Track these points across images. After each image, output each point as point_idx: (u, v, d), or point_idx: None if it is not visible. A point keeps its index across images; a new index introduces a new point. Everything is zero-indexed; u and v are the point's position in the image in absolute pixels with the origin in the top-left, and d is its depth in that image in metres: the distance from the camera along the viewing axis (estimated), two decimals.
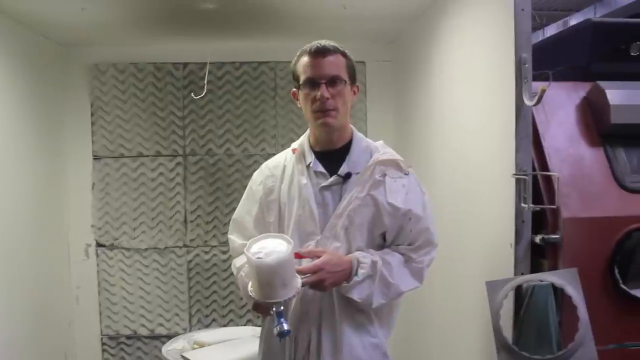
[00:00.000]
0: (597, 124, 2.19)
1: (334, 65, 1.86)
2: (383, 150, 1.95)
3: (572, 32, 2.87)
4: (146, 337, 3.82)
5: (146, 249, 3.78)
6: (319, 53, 1.86)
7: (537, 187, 2.03)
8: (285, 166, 1.99)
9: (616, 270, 2.02)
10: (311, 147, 1.96)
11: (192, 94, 3.65)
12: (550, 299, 1.88)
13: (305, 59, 1.89)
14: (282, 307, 1.69)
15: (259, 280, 1.69)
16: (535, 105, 1.91)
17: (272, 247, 1.70)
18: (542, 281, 1.90)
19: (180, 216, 3.80)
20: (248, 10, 2.97)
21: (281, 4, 2.90)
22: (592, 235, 2.03)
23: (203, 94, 3.56)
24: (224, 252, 3.79)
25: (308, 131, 2.00)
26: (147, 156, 3.77)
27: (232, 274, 3.19)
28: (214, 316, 3.85)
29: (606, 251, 2.03)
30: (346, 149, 1.94)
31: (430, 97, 3.01)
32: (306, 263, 1.81)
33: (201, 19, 3.12)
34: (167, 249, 3.80)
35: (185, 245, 3.81)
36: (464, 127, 2.52)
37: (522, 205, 1.95)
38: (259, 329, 2.20)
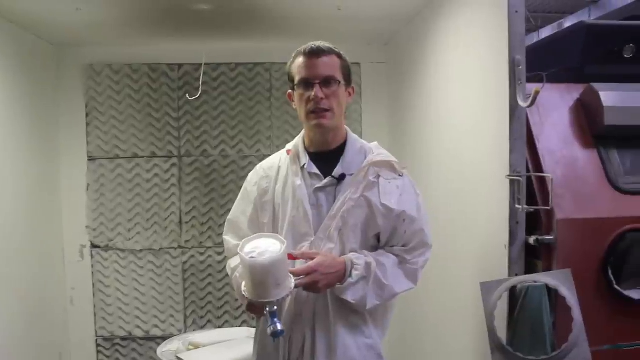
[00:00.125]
0: (591, 126, 2.20)
1: (328, 65, 1.86)
2: (377, 151, 1.95)
3: (566, 34, 2.89)
4: (141, 339, 3.81)
5: (141, 250, 3.78)
6: (313, 54, 1.87)
7: (531, 188, 2.04)
8: (279, 167, 1.99)
9: (610, 271, 2.03)
10: (306, 149, 1.97)
11: (187, 95, 3.65)
12: (545, 300, 1.89)
13: (300, 60, 1.89)
14: (275, 307, 1.69)
15: (252, 280, 1.69)
16: (529, 106, 1.92)
17: (265, 247, 1.70)
18: (536, 282, 1.91)
19: (176, 217, 3.80)
20: (243, 11, 2.97)
21: (276, 6, 2.91)
22: (586, 237, 2.04)
23: (198, 95, 3.56)
24: (219, 253, 3.79)
25: (303, 132, 2.01)
26: (142, 157, 3.77)
27: (227, 275, 3.18)
28: (209, 317, 3.85)
29: (600, 252, 2.04)
30: (341, 150, 1.94)
31: (425, 98, 3.01)
32: (300, 265, 1.82)
33: (196, 20, 3.12)
34: (162, 250, 3.79)
35: (180, 247, 3.81)
36: (459, 128, 2.52)
37: (517, 206, 1.96)
38: (254, 330, 2.20)
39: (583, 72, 2.42)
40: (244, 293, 1.75)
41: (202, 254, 3.82)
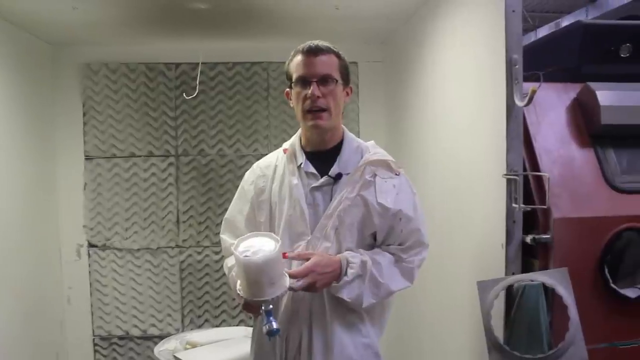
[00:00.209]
0: (588, 125, 2.20)
1: (326, 64, 1.86)
2: (374, 150, 1.96)
3: (563, 33, 2.89)
4: (138, 338, 3.81)
5: (138, 249, 3.77)
6: (311, 52, 1.87)
7: (528, 187, 2.04)
8: (276, 166, 1.99)
9: (606, 270, 2.03)
10: (302, 148, 1.97)
11: (185, 94, 3.65)
12: (541, 299, 1.89)
13: (298, 58, 1.89)
14: (270, 306, 1.69)
15: (246, 278, 1.70)
16: (525, 106, 1.92)
17: (260, 246, 1.71)
18: (533, 281, 1.91)
19: (173, 216, 3.79)
20: (240, 10, 2.97)
21: (274, 5, 2.90)
22: (583, 235, 2.04)
23: (195, 94, 3.55)
24: (217, 253, 3.79)
25: (299, 131, 2.01)
26: (140, 156, 3.76)
27: (224, 274, 3.19)
28: (207, 316, 3.85)
29: (596, 251, 2.05)
30: (337, 149, 1.94)
31: (422, 97, 3.02)
32: (296, 265, 1.82)
33: (193, 19, 3.12)
34: (159, 249, 3.79)
35: (177, 246, 3.81)
36: (456, 127, 2.52)
37: (513, 205, 1.96)
38: (251, 329, 2.20)
39: (580, 71, 2.42)
40: (239, 292, 1.75)
41: (199, 253, 3.82)
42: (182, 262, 3.81)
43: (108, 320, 3.78)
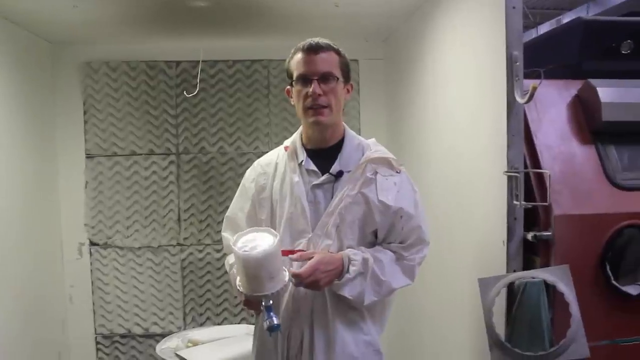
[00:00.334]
0: (589, 122, 2.20)
1: (326, 62, 1.86)
2: (375, 148, 1.96)
3: (564, 30, 2.88)
4: (140, 336, 3.81)
5: (140, 248, 3.78)
6: (311, 50, 1.87)
7: (528, 184, 2.04)
8: (277, 164, 1.99)
9: (607, 267, 2.03)
10: (303, 145, 1.97)
11: (185, 92, 3.65)
12: (543, 296, 1.89)
13: (298, 56, 1.89)
14: (271, 302, 1.70)
15: (246, 273, 1.70)
16: (526, 102, 1.92)
17: (258, 241, 1.72)
18: (534, 278, 1.91)
19: (174, 215, 3.80)
20: (241, 8, 2.97)
21: (274, 2, 2.90)
22: (584, 232, 2.04)
23: (196, 92, 3.55)
24: (218, 251, 3.79)
25: (300, 128, 2.01)
26: (140, 154, 3.76)
27: (226, 272, 3.19)
28: (208, 314, 3.85)
29: (598, 248, 2.04)
30: (338, 146, 1.94)
31: (423, 94, 3.01)
32: (297, 265, 1.82)
33: (194, 17, 3.12)
34: (160, 247, 3.79)
35: (179, 244, 3.81)
36: (456, 124, 2.52)
37: (514, 202, 1.96)
38: (253, 327, 2.20)
39: (581, 68, 2.41)
40: (238, 287, 1.76)
41: (200, 251, 3.82)
42: (184, 260, 3.81)
43: (110, 318, 3.78)
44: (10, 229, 2.99)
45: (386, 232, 1.90)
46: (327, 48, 1.88)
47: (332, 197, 1.88)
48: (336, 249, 1.86)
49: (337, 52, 1.91)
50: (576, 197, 2.06)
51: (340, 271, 1.81)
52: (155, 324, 3.81)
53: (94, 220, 3.75)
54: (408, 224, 1.89)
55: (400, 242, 1.90)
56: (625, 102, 2.18)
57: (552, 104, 2.23)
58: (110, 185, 3.75)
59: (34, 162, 3.35)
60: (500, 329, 1.93)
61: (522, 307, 1.90)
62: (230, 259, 2.00)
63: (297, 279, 1.76)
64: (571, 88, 2.28)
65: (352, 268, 1.81)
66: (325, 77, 1.86)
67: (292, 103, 1.95)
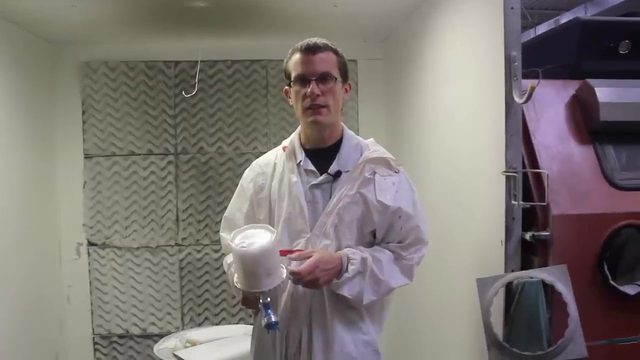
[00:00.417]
0: (587, 122, 2.20)
1: (324, 62, 1.86)
2: (373, 148, 1.96)
3: (562, 30, 2.89)
4: (138, 336, 3.81)
5: (138, 248, 3.77)
6: (309, 50, 1.87)
7: (527, 184, 2.04)
8: (275, 164, 1.99)
9: (605, 267, 2.04)
10: (302, 145, 1.97)
11: (184, 92, 3.65)
12: (541, 296, 1.89)
13: (296, 56, 1.89)
14: (269, 299, 1.70)
15: (243, 270, 1.71)
16: (524, 102, 1.92)
17: (256, 237, 1.72)
18: (532, 278, 1.91)
19: (172, 215, 3.79)
20: (239, 8, 2.97)
21: (273, 2, 2.90)
22: (582, 232, 2.05)
23: (194, 93, 3.55)
24: (216, 251, 3.79)
25: (299, 129, 2.01)
26: (139, 155, 3.76)
27: (224, 272, 3.18)
28: (206, 314, 3.85)
29: (595, 248, 2.05)
30: (337, 146, 1.94)
31: (422, 94, 3.02)
32: (295, 265, 1.82)
33: (192, 17, 3.12)
34: (159, 247, 3.79)
35: (177, 244, 3.81)
36: (455, 124, 2.53)
37: (512, 202, 1.96)
38: (251, 327, 2.20)
39: (579, 68, 2.41)
40: (236, 284, 1.76)
41: (199, 251, 3.82)
42: (182, 260, 3.81)
43: (108, 318, 3.78)
44: (9, 228, 2.98)
45: (385, 232, 1.90)
46: (324, 48, 1.88)
47: (330, 197, 1.88)
48: (334, 249, 1.86)
49: (335, 52, 1.91)
50: (574, 197, 2.07)
51: (339, 270, 1.81)
52: (153, 324, 3.81)
53: (92, 220, 3.75)
54: (406, 223, 1.89)
55: (399, 242, 1.90)
56: (623, 102, 2.18)
57: (550, 104, 2.24)
58: (108, 185, 3.74)
59: (32, 162, 3.35)
60: (499, 329, 1.93)
61: (520, 306, 1.90)
62: (229, 259, 2.00)
63: (297, 276, 1.76)
64: (569, 88, 2.28)
65: (350, 267, 1.81)
66: (323, 77, 1.86)
67: (291, 103, 1.95)
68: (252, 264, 1.68)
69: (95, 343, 3.79)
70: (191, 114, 3.78)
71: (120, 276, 3.77)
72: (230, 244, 1.72)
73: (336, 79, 1.88)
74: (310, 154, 1.95)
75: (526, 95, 1.87)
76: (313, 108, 1.85)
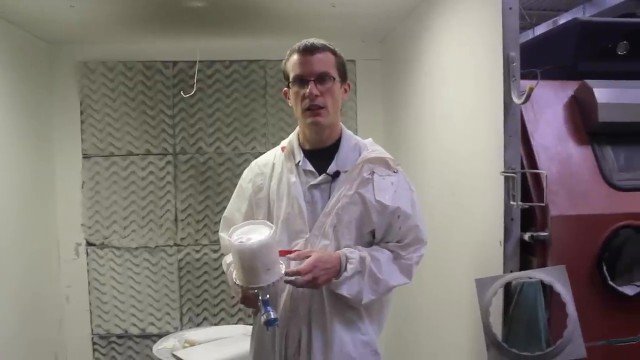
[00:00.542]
0: (585, 122, 2.21)
1: (322, 62, 1.86)
2: (372, 148, 1.96)
3: (560, 31, 2.89)
4: (137, 336, 3.81)
5: (137, 248, 3.77)
6: (307, 51, 1.87)
7: (525, 184, 2.04)
8: (274, 164, 2.00)
9: (604, 267, 2.04)
10: (300, 145, 1.97)
11: (182, 93, 3.65)
12: (539, 296, 1.89)
13: (294, 57, 1.89)
14: (268, 296, 1.71)
15: (242, 265, 1.71)
16: (523, 103, 1.92)
17: (254, 232, 1.73)
18: (531, 278, 1.91)
19: (171, 215, 3.79)
20: (237, 8, 2.97)
21: (270, 3, 2.90)
22: (580, 233, 2.05)
23: (193, 93, 3.55)
24: (215, 251, 3.79)
25: (297, 129, 2.01)
26: (137, 155, 3.76)
27: (223, 272, 3.18)
28: (205, 315, 3.85)
29: (594, 248, 2.05)
30: (335, 147, 1.94)
31: (420, 95, 3.02)
32: (295, 265, 1.82)
33: (191, 17, 3.12)
34: (157, 247, 3.79)
35: (176, 244, 3.80)
36: (453, 125, 2.53)
37: (511, 202, 1.96)
38: (250, 328, 2.20)
39: (577, 69, 2.42)
40: (235, 281, 1.76)
41: (197, 251, 3.82)
42: (181, 260, 3.81)
43: (107, 318, 3.78)
44: (7, 229, 2.98)
45: (384, 231, 1.90)
46: (322, 48, 1.88)
47: (329, 198, 1.88)
48: (333, 249, 1.86)
49: (333, 52, 1.91)
50: (573, 197, 2.07)
51: (337, 270, 1.81)
52: (152, 324, 3.81)
53: (91, 220, 3.74)
54: (405, 223, 1.89)
55: (398, 242, 1.90)
56: (622, 103, 2.19)
57: (548, 105, 2.24)
58: (107, 185, 3.74)
59: (30, 162, 3.34)
60: (497, 329, 1.93)
61: (519, 307, 1.90)
62: (228, 259, 2.00)
63: (295, 276, 1.76)
64: (567, 89, 2.28)
65: (349, 266, 1.81)
66: (321, 78, 1.86)
67: (290, 104, 1.95)
68: (250, 259, 1.68)
69: (94, 343, 3.78)
70: (190, 114, 3.78)
71: (119, 276, 3.77)
72: (229, 239, 1.72)
73: (334, 79, 1.88)
74: (309, 154, 1.95)
75: (525, 96, 1.87)
76: (312, 109, 1.85)
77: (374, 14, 3.15)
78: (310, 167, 1.92)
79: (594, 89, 2.18)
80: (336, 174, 1.89)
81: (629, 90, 2.23)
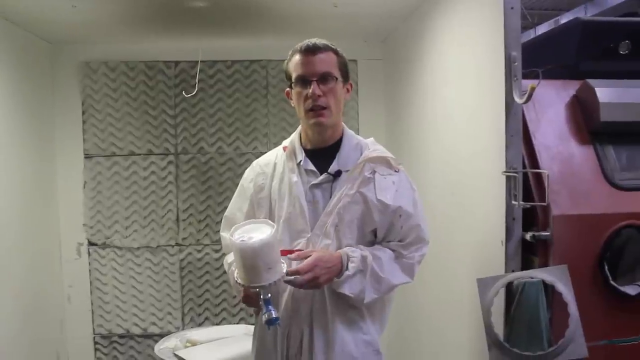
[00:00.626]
0: (587, 122, 2.20)
1: (324, 62, 1.87)
2: (373, 147, 1.96)
3: (562, 30, 2.89)
4: (139, 336, 3.81)
5: (138, 248, 3.78)
6: (309, 51, 1.87)
7: (527, 184, 2.04)
8: (275, 164, 2.00)
9: (606, 267, 2.03)
10: (302, 145, 1.97)
11: (184, 93, 3.65)
12: (541, 296, 1.89)
13: (296, 57, 1.89)
14: (269, 295, 1.71)
15: (243, 264, 1.71)
16: (525, 102, 1.92)
17: (256, 231, 1.73)
18: (532, 278, 1.91)
19: (173, 215, 3.79)
20: (239, 8, 2.97)
21: (272, 2, 2.90)
22: (582, 233, 2.05)
23: (194, 93, 3.56)
24: (217, 251, 3.79)
25: (299, 128, 2.01)
26: (139, 155, 3.76)
27: (224, 272, 3.18)
28: (207, 314, 3.85)
29: (596, 248, 2.05)
30: (337, 146, 1.94)
31: (422, 95, 3.02)
32: (295, 265, 1.82)
33: (192, 17, 3.12)
34: (159, 247, 3.79)
35: (177, 244, 3.81)
36: (455, 124, 2.53)
37: (513, 202, 1.96)
38: (251, 327, 2.20)
39: (578, 68, 2.42)
40: (236, 279, 1.76)
41: (199, 251, 3.82)
42: (182, 260, 3.81)
43: (108, 318, 3.78)
44: (9, 229, 2.98)
45: (385, 231, 1.90)
46: (324, 48, 1.88)
47: (330, 197, 1.88)
48: (335, 249, 1.86)
49: (335, 52, 1.91)
50: (574, 197, 2.07)
51: (339, 269, 1.81)
52: (154, 324, 3.81)
53: (93, 220, 3.75)
54: (407, 222, 1.89)
55: (400, 241, 1.90)
56: (624, 102, 2.18)
57: (550, 104, 2.24)
58: (108, 185, 3.74)
59: (32, 162, 3.35)
60: (499, 329, 1.93)
61: (521, 307, 1.90)
62: (229, 258, 2.00)
63: (296, 276, 1.75)
64: (569, 88, 2.28)
65: (350, 265, 1.81)
66: (324, 78, 1.86)
67: (292, 105, 1.95)
68: (251, 258, 1.68)
69: (95, 343, 3.79)
70: (191, 114, 3.78)
71: (121, 276, 3.77)
72: (231, 238, 1.72)
73: (337, 79, 1.88)
74: (311, 153, 1.95)
75: (526, 96, 1.87)
76: (315, 110, 1.85)
77: (375, 14, 3.15)
78: (311, 166, 1.92)
79: (595, 89, 2.17)
80: (338, 174, 1.89)
81: (630, 89, 2.23)
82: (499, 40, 1.98)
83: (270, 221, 1.81)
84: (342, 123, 2.00)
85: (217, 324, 3.77)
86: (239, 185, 2.09)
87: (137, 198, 3.76)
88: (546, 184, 1.97)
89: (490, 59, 2.08)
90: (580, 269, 2.00)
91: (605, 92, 2.17)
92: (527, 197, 1.99)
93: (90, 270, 3.76)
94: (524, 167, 2.04)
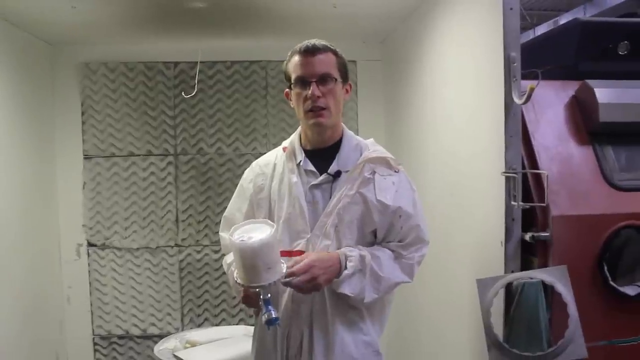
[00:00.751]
0: (586, 122, 2.21)
1: (324, 63, 1.87)
2: (373, 148, 1.96)
3: (561, 31, 2.89)
4: (138, 337, 3.81)
5: (138, 249, 3.77)
6: (308, 52, 1.87)
7: (526, 185, 2.04)
8: (275, 164, 2.00)
9: (605, 268, 2.03)
10: (301, 146, 1.97)
11: (183, 93, 3.65)
12: (541, 297, 1.89)
13: (295, 59, 1.89)
14: (269, 295, 1.71)
15: (243, 264, 1.71)
16: (524, 103, 1.92)
17: (255, 231, 1.73)
18: (532, 279, 1.91)
19: (172, 215, 3.79)
20: (239, 9, 2.97)
21: (272, 3, 2.91)
22: (582, 233, 2.05)
23: (194, 93, 3.55)
24: (216, 252, 3.79)
25: (299, 129, 2.01)
26: (138, 155, 3.76)
27: (224, 272, 3.18)
28: (206, 315, 3.85)
29: (595, 248, 2.05)
30: (336, 147, 1.95)
31: (421, 95, 3.02)
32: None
33: (192, 18, 3.12)
34: (158, 248, 3.79)
35: (177, 245, 3.81)
36: (454, 125, 2.53)
37: (512, 203, 1.96)
38: (251, 328, 2.21)
39: (578, 69, 2.42)
40: (236, 279, 1.76)
41: (198, 252, 3.82)
42: (182, 261, 3.81)
43: (108, 319, 3.78)
44: (8, 229, 2.98)
45: (385, 231, 1.90)
46: (324, 49, 1.89)
47: (330, 197, 1.88)
48: (335, 249, 1.86)
49: (334, 53, 1.91)
50: (574, 197, 2.07)
51: (338, 269, 1.81)
52: (153, 325, 3.81)
53: (92, 221, 3.75)
54: (407, 223, 1.89)
55: (399, 241, 1.90)
56: (623, 103, 2.18)
57: (549, 105, 2.24)
58: (108, 186, 3.74)
59: (32, 163, 3.35)
60: (499, 330, 1.93)
61: (520, 307, 1.90)
62: (228, 259, 2.00)
63: (293, 278, 1.75)
64: (568, 89, 2.28)
65: (349, 264, 1.81)
66: (323, 79, 1.86)
67: (292, 106, 1.95)
68: (251, 258, 1.68)
69: (95, 344, 3.79)
70: (191, 114, 3.78)
71: (120, 277, 3.77)
72: (230, 238, 1.72)
73: (336, 79, 1.88)
74: (310, 154, 1.95)
75: (525, 96, 1.87)
76: (315, 111, 1.86)
77: (375, 15, 3.16)
78: (311, 167, 1.93)
79: (595, 89, 2.18)
80: (337, 174, 1.89)
81: (630, 90, 2.23)
82: (498, 40, 1.98)
83: (269, 221, 1.81)
84: (342, 124, 2.00)
85: (216, 325, 3.77)
86: (239, 185, 2.09)
87: (136, 199, 3.76)
88: (545, 185, 1.97)
89: (489, 60, 2.08)
90: (579, 270, 2.00)
91: (605, 93, 2.17)
92: (526, 197, 1.99)
93: (89, 271, 3.76)
94: (523, 167, 2.04)
